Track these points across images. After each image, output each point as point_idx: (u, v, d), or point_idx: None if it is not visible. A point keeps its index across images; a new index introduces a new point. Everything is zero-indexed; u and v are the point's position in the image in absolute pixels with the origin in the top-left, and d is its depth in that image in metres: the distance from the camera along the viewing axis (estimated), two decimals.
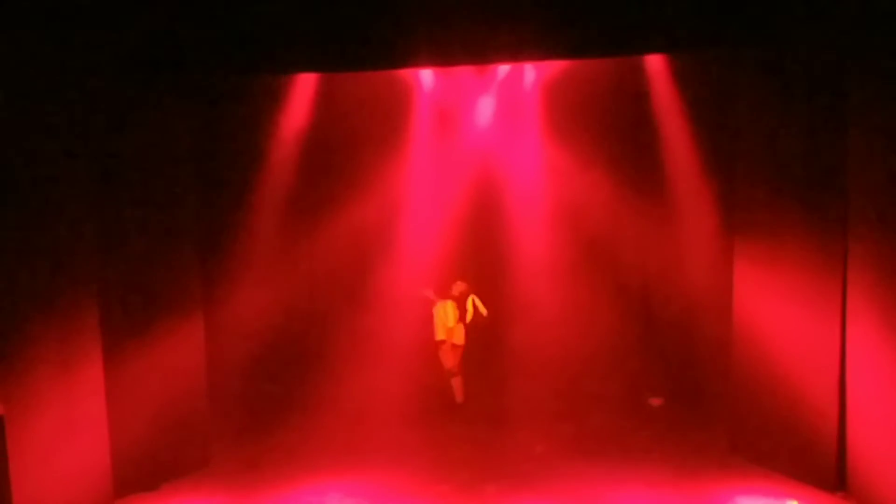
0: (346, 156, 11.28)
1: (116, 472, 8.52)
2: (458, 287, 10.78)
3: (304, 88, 10.53)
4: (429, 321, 10.78)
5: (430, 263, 11.25)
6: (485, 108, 11.44)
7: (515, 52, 8.69)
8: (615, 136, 11.00)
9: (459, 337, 10.70)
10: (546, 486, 8.64)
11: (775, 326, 8.69)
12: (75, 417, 8.02)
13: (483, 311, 10.75)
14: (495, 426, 10.38)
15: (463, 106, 11.44)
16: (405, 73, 10.86)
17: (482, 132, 11.48)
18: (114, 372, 8.49)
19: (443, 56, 8.67)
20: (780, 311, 8.63)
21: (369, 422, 10.51)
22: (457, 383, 10.73)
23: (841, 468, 8.22)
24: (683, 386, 10.85)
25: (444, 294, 10.78)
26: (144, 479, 8.79)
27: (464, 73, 11.13)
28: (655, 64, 10.25)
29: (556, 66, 10.84)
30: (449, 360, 10.70)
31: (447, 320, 10.65)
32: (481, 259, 11.38)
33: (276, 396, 11.08)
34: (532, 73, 11.12)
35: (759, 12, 7.87)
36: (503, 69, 11.10)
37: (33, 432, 7.53)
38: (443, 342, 10.68)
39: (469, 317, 10.73)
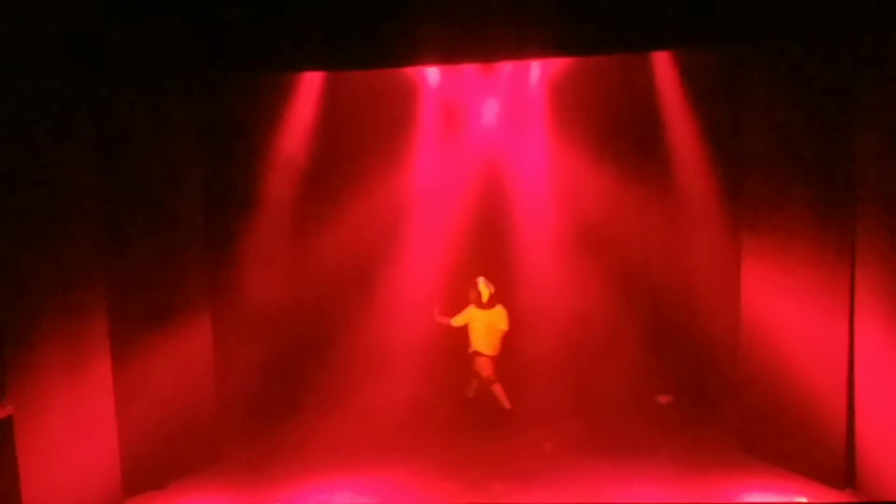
0: (352, 154, 11.28)
1: (126, 471, 8.56)
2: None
3: (310, 87, 10.53)
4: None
5: (436, 262, 11.26)
6: (491, 106, 11.42)
7: (521, 50, 8.66)
8: (622, 132, 10.95)
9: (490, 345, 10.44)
10: (554, 484, 8.65)
11: (783, 323, 8.67)
12: (84, 417, 8.05)
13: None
14: (504, 424, 10.36)
15: (469, 104, 11.42)
16: (411, 72, 10.86)
17: (488, 130, 11.46)
18: (122, 371, 8.53)
19: (448, 54, 8.65)
20: (788, 308, 8.61)
21: (378, 420, 10.51)
22: (498, 389, 10.45)
23: (849, 465, 8.20)
24: (692, 383, 10.83)
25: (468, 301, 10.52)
26: (153, 477, 8.83)
27: (469, 70, 11.11)
28: (662, 60, 10.22)
29: (562, 63, 10.82)
30: (486, 370, 10.41)
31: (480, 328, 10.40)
32: (488, 257, 11.36)
33: (284, 395, 11.09)
34: (538, 70, 11.09)
35: (765, 8, 7.84)
36: (509, 66, 11.08)
37: (42, 432, 7.55)
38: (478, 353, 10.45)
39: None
